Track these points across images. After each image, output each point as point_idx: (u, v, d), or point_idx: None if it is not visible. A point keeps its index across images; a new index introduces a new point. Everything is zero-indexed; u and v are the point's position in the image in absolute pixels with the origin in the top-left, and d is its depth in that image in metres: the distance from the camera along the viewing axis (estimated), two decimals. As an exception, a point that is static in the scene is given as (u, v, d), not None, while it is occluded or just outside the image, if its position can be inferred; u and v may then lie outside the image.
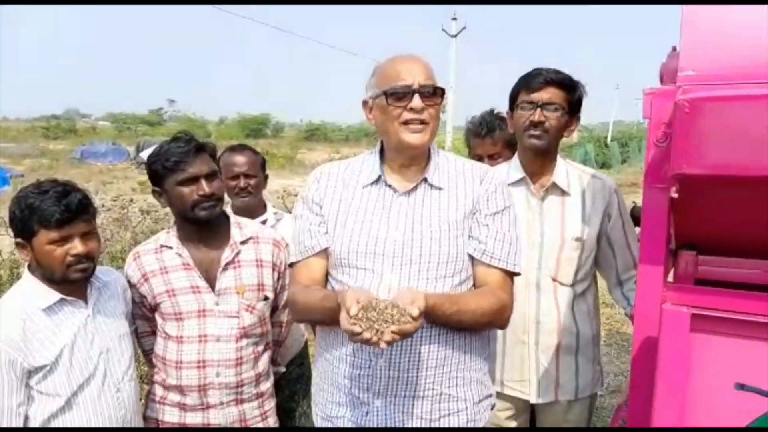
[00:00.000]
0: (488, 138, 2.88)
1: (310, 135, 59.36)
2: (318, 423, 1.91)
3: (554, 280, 2.31)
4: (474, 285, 1.82)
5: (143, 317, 2.30)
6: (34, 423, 1.95)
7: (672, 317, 1.47)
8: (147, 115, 74.52)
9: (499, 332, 2.27)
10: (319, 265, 1.86)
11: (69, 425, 1.98)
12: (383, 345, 1.45)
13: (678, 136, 1.32)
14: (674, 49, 1.58)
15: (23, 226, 1.92)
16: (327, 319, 1.71)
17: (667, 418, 1.48)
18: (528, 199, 2.35)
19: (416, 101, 1.72)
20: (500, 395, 2.32)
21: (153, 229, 6.63)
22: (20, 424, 1.93)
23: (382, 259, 1.76)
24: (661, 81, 1.60)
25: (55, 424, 1.97)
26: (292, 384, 2.89)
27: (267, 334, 2.34)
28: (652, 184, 1.55)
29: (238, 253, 2.24)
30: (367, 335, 1.45)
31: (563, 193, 2.33)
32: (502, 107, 2.48)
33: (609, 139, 38.03)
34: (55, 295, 1.98)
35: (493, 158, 2.83)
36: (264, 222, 2.81)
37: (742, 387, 1.44)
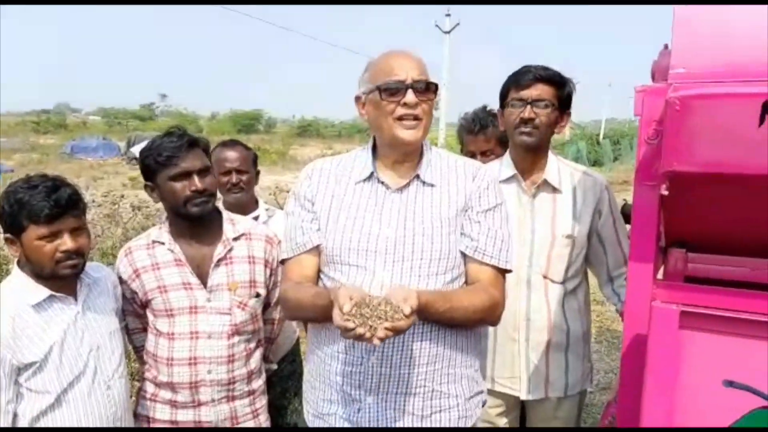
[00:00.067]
0: (481, 135, 2.88)
1: (302, 131, 59.18)
2: (309, 420, 1.91)
3: (545, 277, 2.32)
4: (466, 282, 1.83)
5: (134, 313, 2.29)
6: (23, 420, 1.94)
7: (661, 314, 1.47)
8: (138, 109, 74.08)
9: (490, 329, 2.27)
10: (311, 262, 1.86)
11: (59, 423, 1.97)
12: (376, 341, 1.46)
13: (669, 133, 1.32)
14: (666, 47, 1.59)
15: (12, 221, 1.90)
16: (319, 316, 1.71)
17: (656, 415, 1.49)
18: (519, 196, 2.35)
19: (410, 96, 1.72)
20: (491, 392, 2.33)
21: (144, 225, 6.61)
22: (9, 422, 1.92)
23: (374, 256, 1.76)
24: (653, 79, 1.60)
25: (45, 421, 1.96)
26: (283, 381, 2.88)
27: (259, 331, 2.34)
28: (643, 181, 1.56)
29: (230, 250, 2.23)
30: (360, 331, 1.45)
31: (554, 190, 2.34)
32: (495, 104, 2.49)
33: (601, 136, 38.14)
34: (44, 292, 1.96)
35: (485, 155, 2.83)
36: (256, 218, 2.80)
37: (730, 384, 1.45)
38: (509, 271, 1.86)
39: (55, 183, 1.93)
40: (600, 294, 2.54)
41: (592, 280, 2.49)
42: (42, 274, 1.95)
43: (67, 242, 1.92)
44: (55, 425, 1.97)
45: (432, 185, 1.83)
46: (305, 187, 1.90)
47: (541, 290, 2.33)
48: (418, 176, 1.83)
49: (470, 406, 1.86)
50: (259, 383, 2.33)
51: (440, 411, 1.79)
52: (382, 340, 1.46)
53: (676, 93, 1.30)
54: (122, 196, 8.33)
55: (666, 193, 1.41)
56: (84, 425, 2.00)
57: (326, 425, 1.84)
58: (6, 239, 1.98)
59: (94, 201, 7.93)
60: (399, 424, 1.76)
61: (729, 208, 1.45)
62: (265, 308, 2.38)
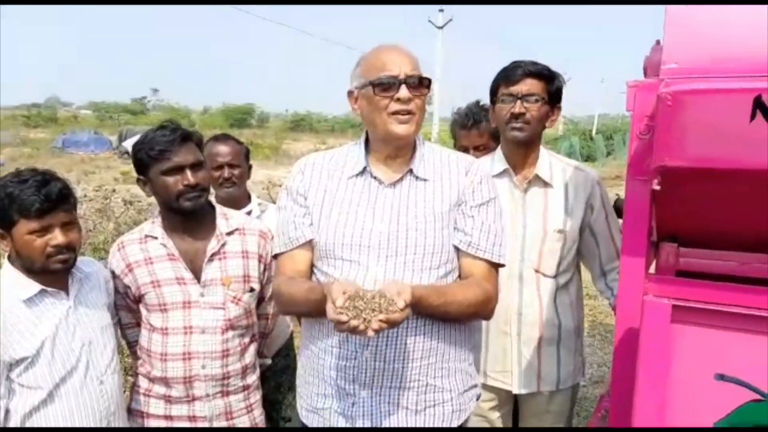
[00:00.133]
0: (474, 129, 2.88)
1: (295, 125, 59.05)
2: (303, 415, 1.91)
3: (537, 271, 2.33)
4: (459, 276, 1.83)
5: (127, 308, 2.28)
6: (15, 416, 1.93)
7: (653, 308, 1.48)
8: (130, 104, 73.62)
9: (482, 323, 2.28)
10: (304, 256, 1.86)
11: (51, 418, 1.96)
12: (371, 333, 1.46)
13: (660, 128, 1.33)
14: (658, 42, 1.59)
15: (2, 215, 1.89)
16: (313, 311, 1.71)
17: (648, 409, 1.50)
18: (511, 191, 2.36)
19: (403, 92, 1.72)
20: (483, 386, 2.33)
21: (136, 220, 6.58)
22: (1, 419, 1.92)
23: (367, 250, 1.76)
24: (645, 74, 1.61)
25: (37, 417, 1.95)
26: (277, 375, 2.88)
27: (253, 326, 2.33)
28: (635, 176, 1.56)
29: (223, 245, 2.22)
30: (354, 323, 1.45)
31: (546, 185, 2.35)
32: (488, 99, 2.49)
33: (594, 132, 38.24)
34: (35, 287, 1.95)
35: (479, 150, 2.83)
36: (248, 213, 2.79)
37: (722, 377, 1.46)
38: (502, 265, 1.87)
39: (45, 177, 1.92)
40: (593, 288, 2.55)
41: (585, 274, 2.50)
42: (33, 269, 1.94)
43: (57, 237, 1.91)
44: (47, 420, 1.96)
45: (425, 180, 1.83)
46: (298, 181, 1.89)
47: (533, 285, 2.34)
48: (411, 171, 1.83)
49: (464, 400, 1.86)
50: (253, 378, 2.33)
51: (434, 405, 1.80)
52: (376, 332, 1.46)
53: (668, 88, 1.30)
54: (114, 191, 8.28)
55: (658, 188, 1.42)
56: (77, 420, 1.99)
57: (321, 419, 1.84)
58: (-4, 234, 1.96)
59: (85, 196, 7.89)
60: (393, 418, 1.76)
61: (720, 203, 1.46)
62: (259, 303, 2.38)
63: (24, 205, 1.86)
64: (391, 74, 1.72)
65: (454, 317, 1.78)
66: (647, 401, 1.49)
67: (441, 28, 27.66)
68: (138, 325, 2.28)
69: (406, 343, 1.73)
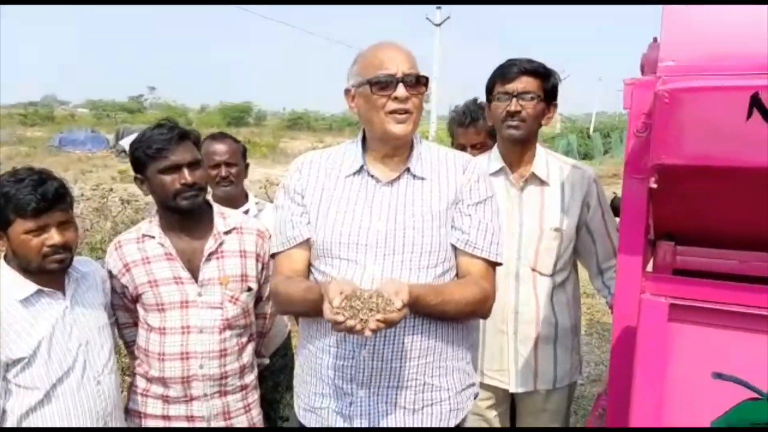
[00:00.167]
0: (472, 127, 2.88)
1: (292, 123, 59.02)
2: (300, 414, 1.91)
3: (533, 270, 2.33)
4: (457, 275, 1.83)
5: (124, 308, 2.27)
6: (12, 417, 1.93)
7: (650, 307, 1.48)
8: (127, 102, 73.53)
9: (480, 322, 2.28)
10: (302, 256, 1.85)
11: (48, 418, 1.96)
12: (368, 333, 1.46)
13: (657, 126, 1.33)
14: (655, 40, 1.59)
15: None
16: (310, 310, 1.70)
17: (646, 407, 1.50)
18: (507, 189, 2.36)
19: (400, 90, 1.72)
20: (480, 385, 2.34)
21: (133, 219, 6.56)
22: (-3, 418, 1.91)
23: (365, 249, 1.76)
24: (642, 72, 1.61)
25: (34, 417, 1.94)
26: (275, 375, 2.88)
27: (251, 326, 2.33)
28: (632, 174, 1.56)
29: (221, 244, 2.21)
30: (351, 323, 1.45)
31: (542, 183, 2.35)
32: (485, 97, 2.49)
33: (591, 130, 38.29)
34: (32, 287, 1.95)
35: (476, 148, 2.83)
36: (246, 212, 2.79)
37: (719, 376, 1.46)
38: (500, 263, 1.87)
39: (41, 176, 1.92)
40: (590, 286, 2.55)
41: (583, 272, 2.50)
42: (29, 269, 1.94)
43: (54, 236, 1.90)
44: (44, 421, 1.95)
45: (422, 178, 1.83)
46: (295, 180, 1.89)
47: (530, 283, 2.34)
48: (408, 169, 1.83)
49: (462, 398, 1.86)
50: (251, 378, 2.32)
51: (432, 404, 1.80)
52: (373, 332, 1.46)
53: (665, 86, 1.30)
54: (111, 190, 8.26)
55: (655, 186, 1.42)
56: (74, 421, 1.99)
57: (319, 419, 1.84)
58: (-7, 233, 1.96)
59: (83, 195, 7.87)
60: (391, 418, 1.76)
61: (718, 201, 1.46)
62: (257, 302, 2.37)
63: (20, 204, 1.85)
64: (389, 73, 1.72)
65: (452, 316, 1.78)
66: (644, 400, 1.49)
67: (439, 25, 27.65)
68: (135, 324, 2.27)
69: (403, 342, 1.73)
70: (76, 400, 1.99)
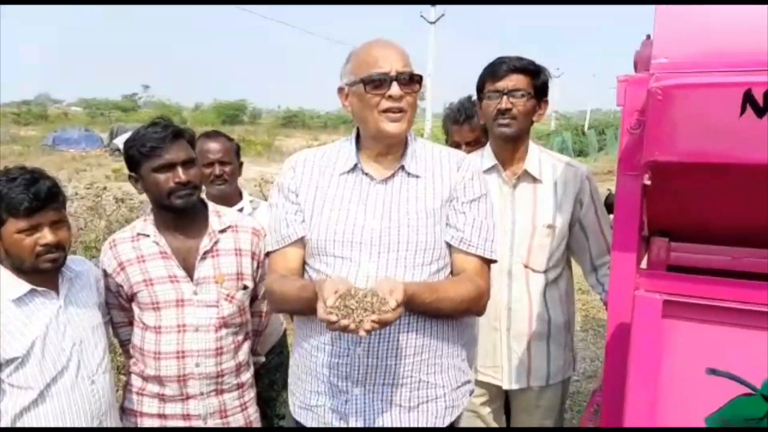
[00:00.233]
0: (466, 125, 2.88)
1: (287, 121, 58.93)
2: (296, 412, 1.91)
3: (526, 266, 2.34)
4: (451, 272, 1.83)
5: (119, 307, 2.27)
6: (6, 417, 1.92)
7: (644, 303, 1.48)
8: (120, 100, 73.32)
9: (474, 319, 2.28)
10: (296, 254, 1.85)
11: (42, 418, 1.95)
12: (362, 333, 1.46)
13: (651, 123, 1.33)
14: (648, 37, 1.59)
15: None
16: (305, 309, 1.70)
17: (640, 404, 1.50)
18: (500, 187, 2.37)
19: (394, 89, 1.71)
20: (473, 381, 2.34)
21: (128, 218, 6.54)
22: (-9, 418, 1.91)
23: (359, 247, 1.75)
24: (635, 69, 1.61)
25: (28, 417, 1.94)
26: (271, 373, 2.88)
27: (247, 324, 2.32)
28: (626, 171, 1.56)
29: (216, 242, 2.21)
30: (344, 322, 1.45)
31: (535, 180, 2.35)
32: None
33: (586, 127, 38.33)
34: (25, 286, 1.94)
35: (471, 145, 2.83)
36: (240, 210, 2.78)
37: (713, 372, 1.47)
38: (494, 261, 1.87)
39: (34, 175, 1.91)
40: (586, 283, 2.55)
41: (577, 268, 2.50)
42: (22, 268, 1.93)
43: (47, 236, 1.89)
44: (38, 421, 1.95)
45: (417, 176, 1.83)
46: (289, 178, 1.89)
47: (522, 280, 2.34)
48: (402, 167, 1.83)
49: (457, 395, 1.86)
50: (247, 376, 2.32)
51: (427, 401, 1.80)
52: (368, 332, 1.46)
53: (658, 83, 1.30)
54: (105, 188, 8.24)
55: (649, 182, 1.42)
56: (68, 420, 1.98)
57: (314, 416, 1.84)
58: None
59: (77, 193, 7.84)
60: (386, 415, 1.76)
61: (711, 198, 1.46)
62: (253, 301, 2.37)
63: (12, 203, 1.85)
64: (382, 71, 1.72)
65: (447, 313, 1.78)
66: (639, 396, 1.50)
67: (433, 23, 27.62)
68: (130, 323, 2.27)
69: (398, 340, 1.73)
70: (70, 400, 1.99)
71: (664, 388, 1.50)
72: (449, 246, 1.81)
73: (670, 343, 1.49)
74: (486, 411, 2.51)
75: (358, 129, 1.88)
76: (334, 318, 1.45)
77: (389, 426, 1.77)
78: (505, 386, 2.40)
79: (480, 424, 2.53)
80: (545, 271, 2.35)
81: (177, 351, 2.15)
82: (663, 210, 1.58)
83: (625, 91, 1.49)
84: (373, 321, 1.45)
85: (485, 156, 2.41)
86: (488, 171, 2.36)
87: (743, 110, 1.23)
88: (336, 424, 1.79)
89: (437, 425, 1.81)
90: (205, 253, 2.19)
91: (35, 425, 1.94)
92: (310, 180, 1.86)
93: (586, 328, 5.87)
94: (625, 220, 1.60)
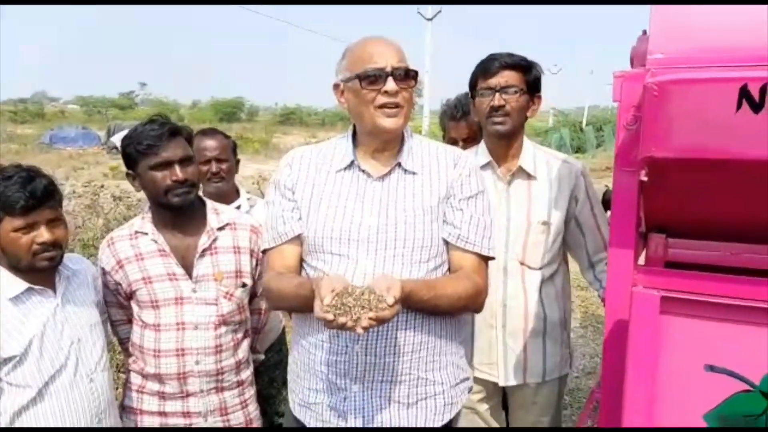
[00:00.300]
0: (463, 121, 2.87)
1: (285, 119, 58.92)
2: (296, 410, 1.91)
3: (522, 263, 2.34)
4: (449, 269, 1.83)
5: (118, 305, 2.27)
6: (4, 415, 1.92)
7: (642, 300, 1.48)
8: (118, 98, 73.23)
9: (471, 316, 2.28)
10: (293, 251, 1.85)
11: (41, 417, 1.95)
12: (360, 330, 1.45)
13: (647, 119, 1.32)
14: (644, 32, 1.59)
15: None
16: (303, 306, 1.70)
17: (638, 400, 1.50)
18: (495, 184, 2.37)
19: (390, 84, 1.71)
20: (471, 378, 2.34)
21: (126, 216, 6.52)
22: (-11, 417, 1.90)
23: (356, 244, 1.75)
24: (632, 64, 1.60)
25: (27, 415, 1.93)
26: (270, 370, 2.88)
27: (246, 322, 2.32)
28: (622, 167, 1.56)
29: (215, 240, 2.21)
30: (342, 320, 1.45)
31: (530, 177, 2.35)
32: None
33: (584, 123, 38.28)
34: (22, 285, 1.93)
35: (468, 141, 2.82)
36: (238, 208, 2.77)
37: (711, 368, 1.47)
38: (492, 258, 1.87)
39: (29, 174, 1.90)
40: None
41: (575, 266, 2.50)
42: (19, 267, 1.92)
43: (43, 234, 1.89)
44: (37, 419, 1.95)
45: (414, 173, 1.82)
46: (285, 175, 1.88)
47: (518, 277, 2.34)
48: (399, 164, 1.82)
49: (456, 393, 1.86)
50: (247, 374, 2.32)
51: (426, 398, 1.80)
52: (365, 329, 1.46)
53: (654, 78, 1.29)
54: (102, 186, 8.21)
55: (645, 178, 1.41)
56: (67, 419, 1.98)
57: (313, 414, 1.84)
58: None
59: (74, 192, 7.82)
60: (385, 412, 1.76)
61: (708, 193, 1.46)
62: (252, 298, 2.36)
63: (8, 202, 1.84)
64: (378, 67, 1.71)
65: (445, 311, 1.78)
66: (637, 392, 1.50)
67: (430, 20, 27.57)
68: (129, 321, 2.27)
69: (396, 337, 1.73)
70: (69, 398, 1.98)
71: (663, 385, 1.50)
72: (447, 243, 1.81)
73: (668, 339, 1.49)
74: (483, 408, 2.51)
75: (354, 126, 1.87)
76: (331, 316, 1.45)
77: (388, 422, 1.77)
78: (501, 383, 2.40)
79: (477, 421, 2.53)
80: (541, 268, 2.35)
81: (176, 349, 2.14)
82: (660, 206, 1.58)
83: (621, 86, 1.49)
84: (370, 318, 1.45)
85: (479, 153, 2.41)
86: (483, 168, 2.36)
87: (739, 105, 1.23)
88: (334, 421, 1.79)
89: (436, 422, 1.81)
90: (204, 250, 2.18)
91: (34, 424, 1.94)
92: (307, 177, 1.86)
93: (585, 325, 5.88)
94: (622, 216, 1.60)
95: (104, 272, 2.20)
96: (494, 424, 2.56)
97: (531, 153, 2.37)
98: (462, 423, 2.09)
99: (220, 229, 2.23)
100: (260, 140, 29.84)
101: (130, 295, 2.19)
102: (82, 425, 2.01)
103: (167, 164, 2.07)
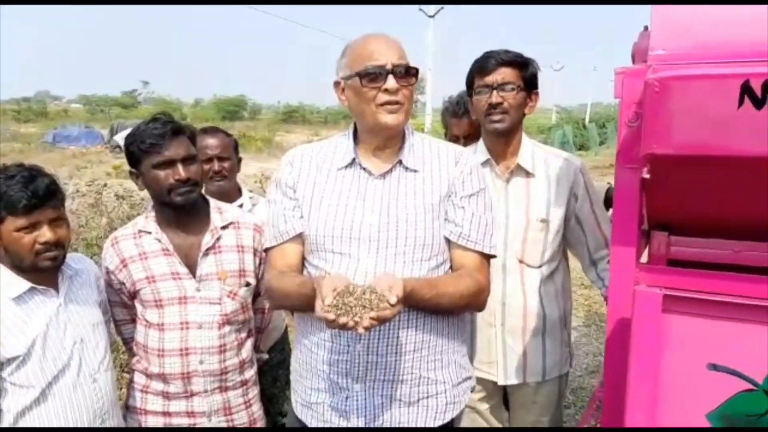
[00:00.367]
0: (465, 118, 2.87)
1: (287, 117, 58.94)
2: (298, 410, 1.91)
3: (520, 261, 2.33)
4: (451, 267, 1.82)
5: (122, 304, 2.27)
6: (8, 415, 1.92)
7: (644, 298, 1.47)
8: (120, 97, 73.31)
9: (471, 314, 2.28)
10: (295, 250, 1.85)
11: (44, 417, 1.95)
12: (361, 330, 1.45)
13: (648, 115, 1.32)
14: (646, 28, 1.58)
15: None
16: (304, 305, 1.70)
17: (641, 399, 1.49)
18: (493, 181, 2.36)
19: (390, 82, 1.71)
20: (471, 377, 2.34)
21: (129, 215, 6.52)
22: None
23: (358, 243, 1.75)
24: (633, 61, 1.59)
25: (30, 415, 1.94)
26: (273, 370, 2.87)
27: (250, 321, 2.32)
28: (624, 164, 1.55)
29: (218, 239, 2.20)
30: (343, 320, 1.44)
31: (528, 174, 2.35)
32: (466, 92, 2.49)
33: (587, 120, 38.29)
34: (24, 284, 1.94)
35: (469, 138, 2.82)
36: (240, 206, 2.77)
37: (714, 367, 1.46)
38: (494, 256, 1.86)
39: (32, 173, 1.90)
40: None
41: (577, 264, 2.49)
42: (21, 267, 1.93)
43: (46, 234, 1.89)
44: (41, 419, 1.95)
45: (415, 171, 1.82)
46: (286, 174, 1.88)
47: (517, 275, 2.34)
48: (400, 162, 1.82)
49: (458, 392, 1.86)
50: (251, 373, 2.32)
51: (428, 397, 1.80)
52: (367, 329, 1.46)
53: (655, 74, 1.29)
54: (105, 185, 8.20)
55: (647, 176, 1.40)
56: (70, 419, 1.98)
57: (315, 414, 1.84)
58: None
59: (77, 191, 7.80)
60: (387, 412, 1.76)
61: (711, 190, 1.45)
62: (255, 297, 2.36)
63: (11, 201, 1.84)
64: (378, 64, 1.71)
65: (447, 309, 1.77)
66: (639, 391, 1.49)
67: (432, 17, 27.51)
68: (133, 321, 2.27)
69: (398, 336, 1.73)
70: (72, 398, 1.99)
71: (665, 384, 1.49)
72: (448, 241, 1.80)
73: (670, 338, 1.48)
74: (484, 407, 2.50)
75: (355, 124, 1.87)
76: (332, 316, 1.45)
77: (390, 422, 1.77)
78: (501, 382, 2.40)
79: (478, 420, 2.53)
80: (540, 266, 2.34)
81: (181, 348, 2.14)
82: (662, 203, 1.57)
83: (622, 83, 1.48)
84: (371, 318, 1.45)
85: (478, 151, 2.41)
86: (481, 165, 2.36)
87: (741, 102, 1.22)
88: (336, 421, 1.79)
89: (438, 421, 1.81)
90: (208, 249, 2.18)
91: (37, 424, 1.95)
92: (308, 175, 1.86)
93: (588, 323, 5.86)
94: (625, 213, 1.59)
95: (108, 271, 2.20)
96: (495, 423, 2.55)
97: (529, 150, 2.37)
98: (464, 422, 2.09)
99: (224, 228, 2.23)
100: (263, 138, 29.83)
101: (134, 295, 2.19)
102: (85, 425, 2.01)
103: (170, 163, 2.07)
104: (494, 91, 2.26)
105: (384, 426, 1.76)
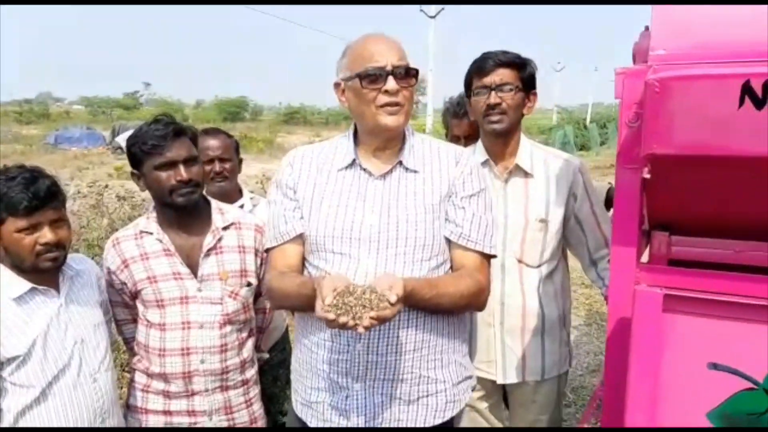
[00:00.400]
0: (466, 118, 2.87)
1: (289, 118, 58.99)
2: (298, 409, 1.91)
3: (519, 261, 2.33)
4: (451, 268, 1.83)
5: (123, 304, 2.27)
6: (8, 415, 1.93)
7: (645, 298, 1.47)
8: (122, 98, 73.42)
9: (470, 314, 2.28)
10: (295, 250, 1.85)
11: (45, 417, 1.95)
12: (361, 330, 1.45)
13: (649, 116, 1.31)
14: (647, 28, 1.58)
15: None
16: (304, 305, 1.70)
17: (641, 399, 1.49)
18: (492, 182, 2.36)
19: (391, 83, 1.71)
20: (470, 377, 2.34)
21: (130, 216, 6.52)
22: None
23: (358, 243, 1.75)
24: (634, 61, 1.59)
25: (31, 415, 1.94)
26: (274, 369, 2.88)
27: (251, 321, 2.33)
28: (624, 164, 1.55)
29: (220, 239, 2.21)
30: (343, 319, 1.45)
31: (527, 174, 2.35)
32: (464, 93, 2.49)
33: (588, 121, 38.27)
34: (25, 285, 1.94)
35: (469, 139, 2.82)
36: (241, 207, 2.78)
37: (715, 366, 1.46)
38: (494, 256, 1.86)
39: (33, 174, 1.91)
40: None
41: (578, 264, 2.49)
42: (22, 267, 1.93)
43: (47, 235, 1.89)
44: (41, 419, 1.95)
45: (415, 171, 1.82)
46: (287, 175, 1.88)
47: (516, 274, 2.34)
48: (401, 162, 1.82)
49: (458, 390, 1.86)
50: (252, 372, 2.32)
51: (428, 395, 1.80)
52: (367, 329, 1.46)
53: (656, 75, 1.29)
54: (107, 186, 8.21)
55: (648, 176, 1.41)
56: (71, 419, 1.99)
57: (315, 413, 1.84)
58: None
59: (79, 192, 7.82)
60: (387, 410, 1.76)
61: (711, 190, 1.45)
62: (257, 297, 2.37)
63: (12, 202, 1.85)
64: (378, 65, 1.71)
65: (447, 309, 1.78)
66: (640, 391, 1.49)
67: (433, 17, 27.51)
68: (134, 321, 2.27)
69: (398, 336, 1.73)
70: (72, 398, 1.99)
71: (666, 383, 1.49)
72: (448, 241, 1.81)
73: (671, 337, 1.48)
74: (483, 406, 2.51)
75: (355, 124, 1.87)
76: (332, 316, 1.45)
77: (390, 421, 1.77)
78: (499, 381, 2.40)
79: (478, 419, 2.53)
80: (539, 266, 2.34)
81: (182, 348, 2.15)
82: (663, 203, 1.57)
83: (623, 83, 1.48)
84: (371, 318, 1.45)
85: (477, 151, 2.41)
86: (480, 166, 2.36)
87: (742, 102, 1.22)
88: (336, 420, 1.79)
89: (437, 420, 1.81)
90: (209, 250, 2.19)
91: (37, 424, 1.95)
92: (308, 176, 1.86)
93: (589, 323, 5.86)
94: (625, 213, 1.59)
95: (109, 272, 2.21)
96: (495, 422, 2.56)
97: (528, 151, 2.37)
98: (463, 421, 2.09)
99: (225, 228, 2.23)
100: (264, 140, 29.85)
101: (135, 295, 2.20)
102: (86, 425, 2.01)
103: (172, 164, 2.07)
104: (492, 92, 2.26)
105: (384, 425, 1.77)
